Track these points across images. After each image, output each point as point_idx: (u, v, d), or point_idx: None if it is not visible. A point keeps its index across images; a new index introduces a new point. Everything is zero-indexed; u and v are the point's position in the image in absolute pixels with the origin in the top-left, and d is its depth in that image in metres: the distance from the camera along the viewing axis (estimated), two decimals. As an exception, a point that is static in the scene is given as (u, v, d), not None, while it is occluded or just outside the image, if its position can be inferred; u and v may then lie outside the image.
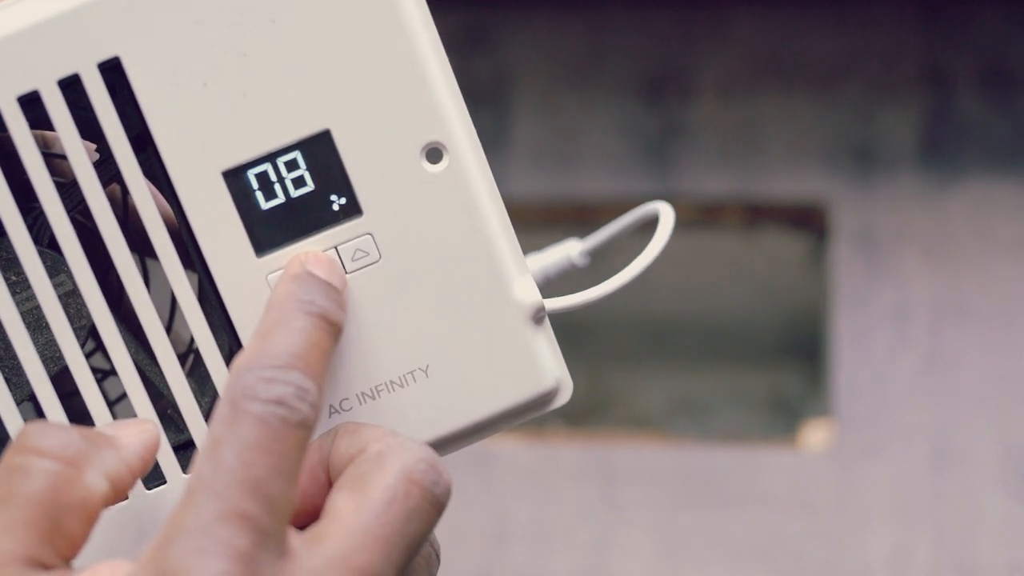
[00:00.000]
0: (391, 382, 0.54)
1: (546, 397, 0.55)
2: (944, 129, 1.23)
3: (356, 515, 0.47)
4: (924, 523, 1.15)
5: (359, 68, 0.52)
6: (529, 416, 0.56)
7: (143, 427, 0.51)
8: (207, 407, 0.54)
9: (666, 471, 1.18)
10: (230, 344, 0.54)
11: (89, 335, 0.54)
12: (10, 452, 0.47)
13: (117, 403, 0.55)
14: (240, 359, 0.48)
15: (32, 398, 0.54)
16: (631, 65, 1.27)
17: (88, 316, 0.53)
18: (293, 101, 0.52)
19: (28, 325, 0.53)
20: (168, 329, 0.55)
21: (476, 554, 1.17)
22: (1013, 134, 1.23)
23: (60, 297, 0.53)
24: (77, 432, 0.48)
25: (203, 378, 0.54)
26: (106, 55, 0.51)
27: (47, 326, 0.53)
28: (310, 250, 0.53)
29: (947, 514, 1.15)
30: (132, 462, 0.49)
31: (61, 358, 0.53)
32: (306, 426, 0.47)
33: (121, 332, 0.53)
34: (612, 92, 1.26)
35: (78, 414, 0.54)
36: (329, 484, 0.50)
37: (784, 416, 1.25)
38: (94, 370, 0.54)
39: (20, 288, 0.53)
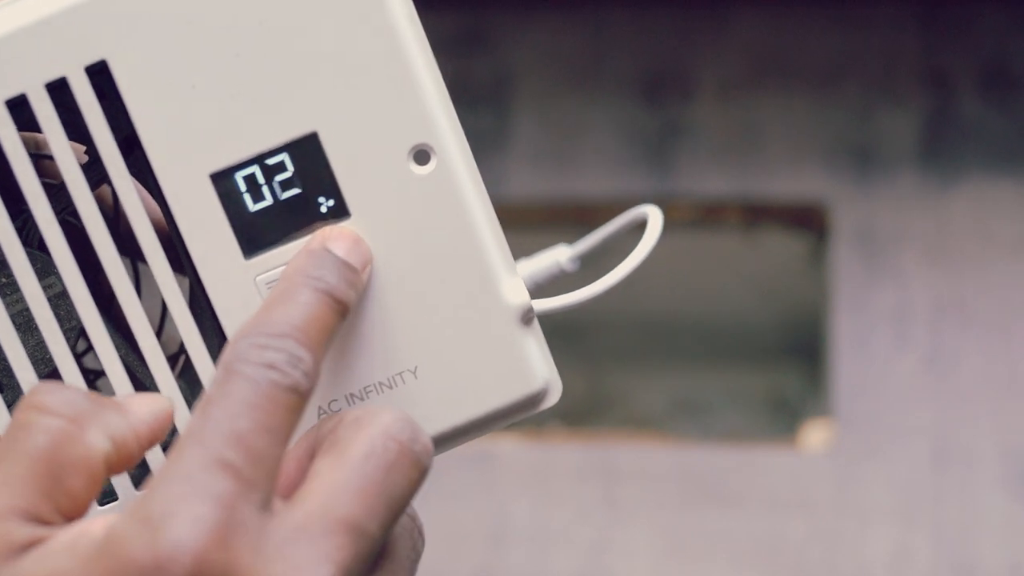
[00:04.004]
0: (379, 383, 0.54)
1: (535, 398, 0.55)
2: (944, 129, 1.23)
3: (334, 471, 0.47)
4: (924, 523, 1.15)
5: (347, 70, 0.52)
6: (519, 417, 0.56)
7: (156, 399, 0.50)
8: (198, 409, 0.54)
9: (666, 471, 1.18)
10: (219, 346, 0.54)
11: (79, 336, 0.54)
12: (18, 410, 0.48)
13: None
14: (239, 329, 0.48)
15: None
16: (631, 65, 1.27)
17: (78, 318, 0.53)
18: (281, 103, 0.52)
19: (18, 327, 0.53)
20: (159, 331, 0.55)
21: (476, 554, 1.17)
22: (1013, 134, 1.22)
23: (49, 299, 0.53)
24: (84, 393, 0.48)
25: (193, 380, 0.54)
26: (93, 58, 0.51)
27: (37, 328, 0.53)
28: (336, 225, 0.53)
29: (947, 514, 1.15)
30: (139, 429, 0.49)
31: (51, 360, 0.53)
32: (298, 392, 0.47)
33: (111, 333, 0.53)
34: (612, 92, 1.26)
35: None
36: None
37: (784, 416, 1.25)
38: (86, 371, 0.54)
39: (9, 290, 0.53)
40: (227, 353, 0.47)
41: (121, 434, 0.48)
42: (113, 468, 0.48)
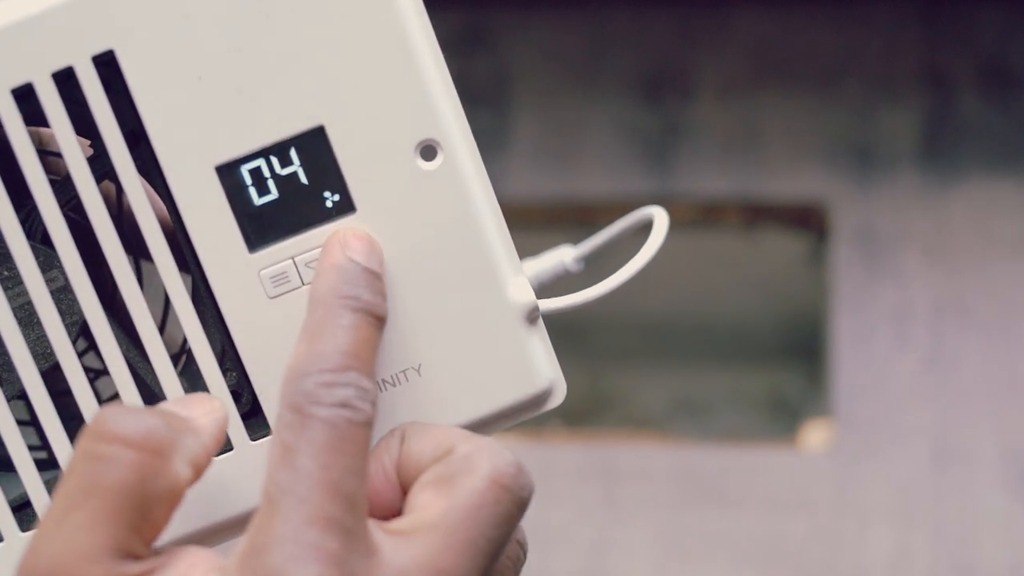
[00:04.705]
0: (383, 380, 0.53)
1: (540, 398, 0.55)
2: (944, 129, 1.23)
3: (444, 517, 0.47)
4: (924, 523, 1.15)
5: (354, 64, 0.52)
6: (522, 417, 0.55)
7: (213, 405, 0.50)
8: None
9: (666, 471, 1.18)
10: (222, 341, 0.53)
11: (81, 333, 0.53)
12: (87, 439, 0.47)
13: (108, 402, 0.55)
14: (294, 364, 0.48)
15: (23, 395, 0.53)
16: (631, 65, 1.27)
17: (80, 312, 0.53)
18: (287, 96, 0.52)
19: (19, 321, 0.53)
20: (160, 329, 0.55)
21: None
22: (1013, 134, 1.22)
23: (52, 293, 0.53)
24: (158, 417, 0.47)
25: (195, 377, 0.54)
26: (100, 48, 0.51)
27: (38, 322, 0.53)
28: (348, 228, 0.52)
29: (947, 514, 1.15)
30: (209, 445, 0.49)
31: (52, 354, 0.53)
32: (370, 424, 0.47)
33: (113, 329, 0.53)
34: (612, 92, 1.26)
35: (69, 414, 0.53)
36: (399, 485, 0.50)
37: (784, 416, 1.25)
38: (86, 370, 0.54)
39: (12, 283, 0.53)
40: (293, 393, 0.47)
41: (198, 456, 0.48)
42: (190, 486, 0.48)
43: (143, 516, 0.46)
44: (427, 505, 0.48)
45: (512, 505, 0.49)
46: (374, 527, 0.47)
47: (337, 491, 0.46)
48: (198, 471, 0.48)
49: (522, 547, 0.52)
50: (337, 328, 0.49)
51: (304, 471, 0.46)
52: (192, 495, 0.51)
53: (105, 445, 0.47)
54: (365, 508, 0.47)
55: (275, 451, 0.47)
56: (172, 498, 0.47)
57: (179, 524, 0.53)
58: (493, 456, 0.49)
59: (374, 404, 0.48)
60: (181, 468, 0.47)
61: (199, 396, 0.51)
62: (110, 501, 0.46)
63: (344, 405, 0.47)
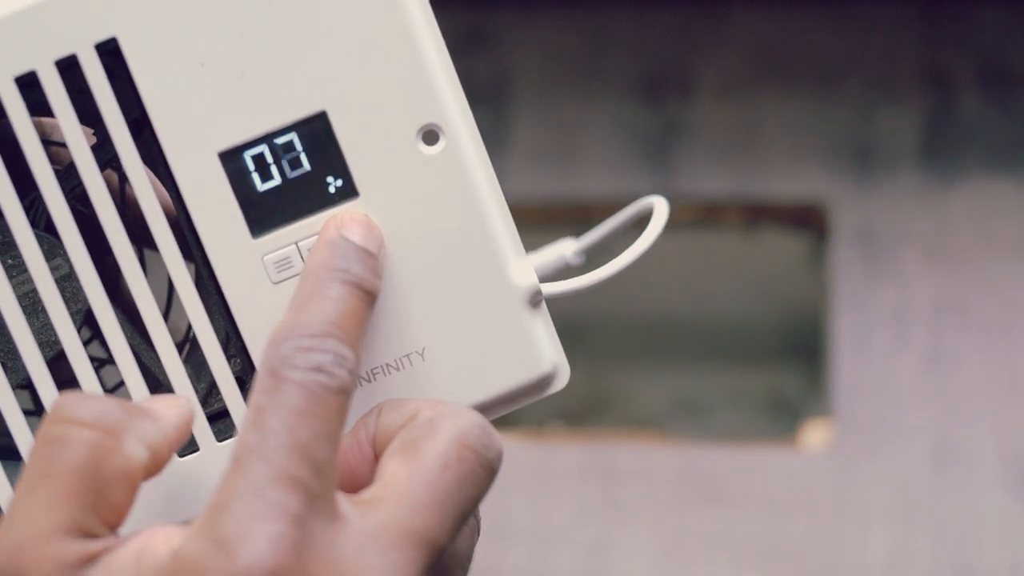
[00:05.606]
0: (387, 365, 0.54)
1: (543, 381, 0.55)
2: (944, 129, 1.23)
3: (409, 480, 0.48)
4: (924, 523, 1.15)
5: (356, 49, 0.52)
6: (526, 401, 0.56)
7: (177, 401, 0.50)
8: (203, 393, 0.54)
9: (666, 471, 1.18)
10: (226, 328, 0.53)
11: (85, 321, 0.53)
12: (47, 423, 0.47)
13: (114, 391, 0.55)
14: (276, 330, 0.48)
15: (28, 384, 0.54)
16: (631, 65, 1.27)
17: (84, 300, 0.53)
18: (290, 82, 0.52)
19: (24, 309, 0.53)
20: (164, 316, 0.55)
21: (476, 554, 1.16)
22: (1013, 134, 1.23)
23: (56, 281, 0.53)
24: (114, 402, 0.48)
25: (199, 365, 0.54)
26: (103, 36, 0.51)
27: (43, 310, 0.53)
28: (347, 210, 0.53)
29: (947, 514, 1.15)
30: (169, 433, 0.49)
31: (57, 342, 0.53)
32: (345, 392, 0.47)
33: (118, 317, 0.53)
34: (612, 92, 1.26)
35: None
36: (375, 460, 0.50)
37: (784, 416, 1.25)
38: (90, 358, 0.54)
39: (16, 272, 0.53)
40: (270, 358, 0.47)
41: (156, 441, 0.48)
42: (149, 475, 0.48)
43: (99, 496, 0.46)
44: (394, 472, 0.48)
45: (478, 465, 0.49)
46: (343, 499, 0.47)
47: (304, 453, 0.46)
48: (157, 457, 0.48)
49: (477, 520, 0.53)
50: (324, 299, 0.49)
51: (271, 431, 0.46)
52: (198, 485, 0.51)
53: (60, 427, 0.47)
54: (334, 476, 0.47)
55: (248, 414, 0.47)
56: (128, 479, 0.47)
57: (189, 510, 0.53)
58: (456, 418, 0.49)
59: (352, 373, 0.48)
60: (135, 448, 0.47)
61: (166, 395, 0.52)
62: (65, 481, 0.46)
63: (319, 370, 0.47)
